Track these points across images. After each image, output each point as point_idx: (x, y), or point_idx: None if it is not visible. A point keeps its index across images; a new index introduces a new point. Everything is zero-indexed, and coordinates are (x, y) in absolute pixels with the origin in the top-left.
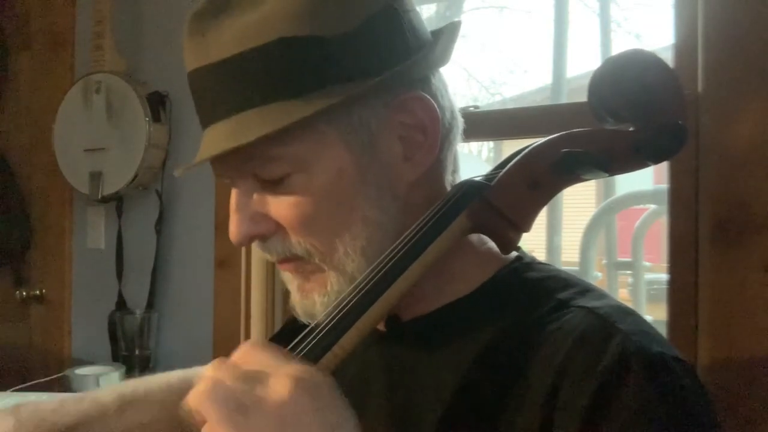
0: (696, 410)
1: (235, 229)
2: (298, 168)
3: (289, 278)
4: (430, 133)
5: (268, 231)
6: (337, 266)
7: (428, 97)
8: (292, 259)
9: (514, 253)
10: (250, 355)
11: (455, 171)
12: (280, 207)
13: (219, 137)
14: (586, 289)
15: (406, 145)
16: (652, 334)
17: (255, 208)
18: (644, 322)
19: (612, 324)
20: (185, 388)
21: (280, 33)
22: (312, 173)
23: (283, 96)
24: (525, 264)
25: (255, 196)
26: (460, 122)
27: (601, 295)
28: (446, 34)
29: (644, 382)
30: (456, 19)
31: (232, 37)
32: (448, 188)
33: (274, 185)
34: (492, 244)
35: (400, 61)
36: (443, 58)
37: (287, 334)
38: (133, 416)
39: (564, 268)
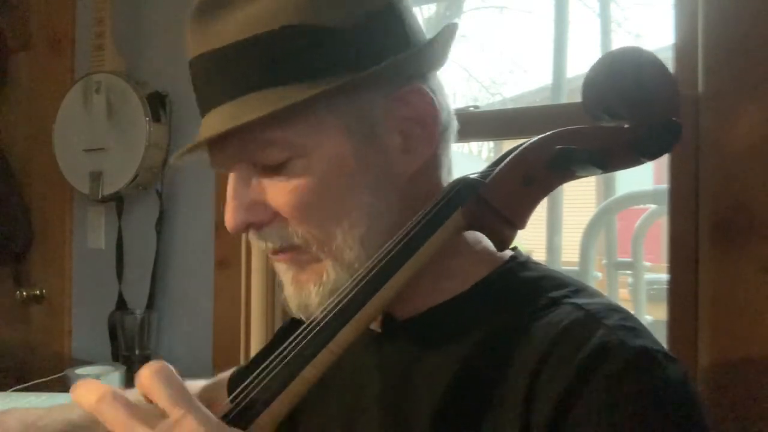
0: (678, 407)
1: (231, 216)
2: (297, 153)
3: (283, 269)
4: (429, 126)
5: (265, 219)
6: (335, 255)
7: (427, 90)
8: (288, 249)
9: (509, 253)
10: None
11: (450, 171)
12: (279, 194)
13: (217, 120)
14: (580, 289)
15: (405, 138)
16: (639, 330)
17: (252, 195)
18: (633, 319)
19: (598, 319)
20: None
21: (283, 21)
22: (311, 159)
23: (284, 81)
24: (520, 263)
25: (253, 183)
26: (455, 124)
27: (593, 294)
28: (444, 35)
29: (621, 374)
30: (454, 21)
31: (234, 26)
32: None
33: (273, 171)
34: (487, 243)
35: (401, 54)
36: (442, 58)
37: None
38: None
39: (564, 268)
